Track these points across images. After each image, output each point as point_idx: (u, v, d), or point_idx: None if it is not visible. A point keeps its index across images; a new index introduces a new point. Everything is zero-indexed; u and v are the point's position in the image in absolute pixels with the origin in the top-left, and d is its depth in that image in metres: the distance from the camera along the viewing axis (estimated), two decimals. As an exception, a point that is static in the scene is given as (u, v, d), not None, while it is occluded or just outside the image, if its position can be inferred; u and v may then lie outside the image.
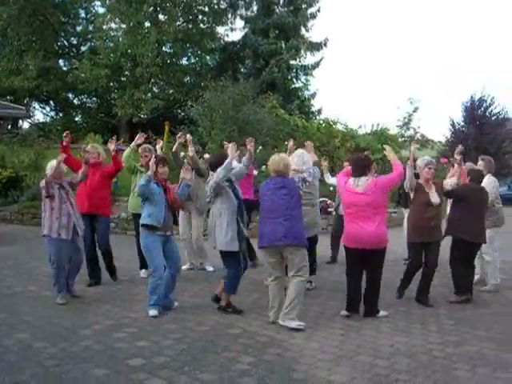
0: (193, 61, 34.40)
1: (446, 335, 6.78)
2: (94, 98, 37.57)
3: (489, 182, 9.06)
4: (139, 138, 9.25)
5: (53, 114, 40.27)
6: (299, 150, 9.03)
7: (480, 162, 9.41)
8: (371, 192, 7.19)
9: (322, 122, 24.51)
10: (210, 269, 10.29)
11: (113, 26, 31.66)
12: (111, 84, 31.41)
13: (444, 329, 7.03)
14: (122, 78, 31.12)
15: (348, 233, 7.46)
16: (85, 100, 38.76)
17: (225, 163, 7.27)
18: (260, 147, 17.32)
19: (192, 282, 9.12)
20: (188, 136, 9.54)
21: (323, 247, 10.73)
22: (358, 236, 7.25)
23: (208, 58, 34.16)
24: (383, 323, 7.29)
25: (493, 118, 39.24)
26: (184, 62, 33.92)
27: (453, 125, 40.13)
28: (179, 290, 8.28)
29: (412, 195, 8.47)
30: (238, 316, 7.47)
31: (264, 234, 7.02)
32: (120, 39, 30.13)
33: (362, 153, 7.97)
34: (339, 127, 24.44)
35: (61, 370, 5.44)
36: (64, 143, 8.59)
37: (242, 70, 32.03)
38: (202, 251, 10.39)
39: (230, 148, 7.56)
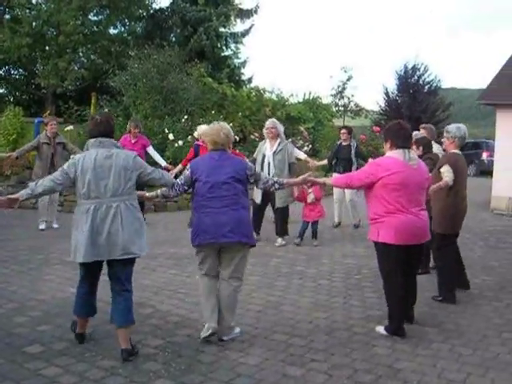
0: (120, 29, 33.32)
1: (368, 310, 6.48)
2: (21, 70, 36.14)
3: (437, 148, 8.62)
4: None
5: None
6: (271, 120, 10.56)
7: (422, 131, 8.93)
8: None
9: (251, 90, 24.06)
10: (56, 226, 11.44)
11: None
12: (35, 54, 30.16)
13: (367, 302, 6.73)
14: (47, 47, 29.94)
15: (397, 224, 5.59)
16: (11, 71, 37.23)
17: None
18: (185, 116, 16.83)
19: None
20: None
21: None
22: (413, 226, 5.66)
23: (136, 26, 33.08)
24: (304, 298, 6.98)
25: (426, 87, 39.57)
26: (111, 30, 32.80)
27: (387, 93, 40.31)
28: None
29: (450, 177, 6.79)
30: (151, 294, 7.09)
31: (202, 226, 5.44)
32: (43, 6, 28.86)
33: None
34: (271, 96, 24.10)
35: None
36: None
37: (170, 38, 31.17)
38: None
39: None
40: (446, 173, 6.74)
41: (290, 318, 6.19)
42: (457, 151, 7.00)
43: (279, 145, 9.95)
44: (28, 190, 5.20)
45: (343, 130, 12.43)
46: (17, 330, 5.78)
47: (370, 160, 10.75)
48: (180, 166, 11.78)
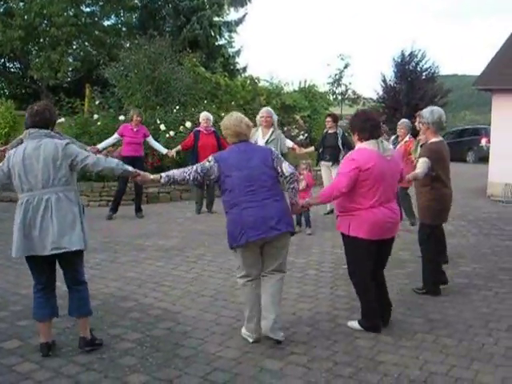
0: (114, 20, 33.07)
1: (353, 300, 6.27)
2: (16, 63, 35.95)
3: None
4: None
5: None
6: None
7: (417, 119, 8.66)
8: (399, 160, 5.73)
9: (246, 79, 23.85)
10: None
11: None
12: (29, 46, 29.97)
13: (353, 293, 6.53)
14: (41, 40, 29.75)
15: (371, 219, 5.30)
16: (6, 65, 37.03)
17: None
18: (177, 107, 16.68)
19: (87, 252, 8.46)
20: None
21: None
22: (386, 221, 5.39)
23: (130, 16, 32.80)
24: (291, 288, 6.82)
25: (423, 74, 39.26)
26: (106, 22, 32.59)
27: (384, 81, 40.00)
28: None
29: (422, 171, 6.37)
30: (135, 287, 6.96)
31: (248, 222, 4.98)
32: (36, -2, 28.68)
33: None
34: (269, 84, 23.93)
35: None
36: None
37: (164, 28, 30.86)
38: None
39: None
40: (420, 164, 6.37)
41: (273, 310, 6.05)
42: (436, 139, 6.56)
43: (272, 134, 10.01)
44: None
45: (328, 118, 12.27)
46: (-4, 325, 5.66)
47: None
48: (179, 147, 12.10)
